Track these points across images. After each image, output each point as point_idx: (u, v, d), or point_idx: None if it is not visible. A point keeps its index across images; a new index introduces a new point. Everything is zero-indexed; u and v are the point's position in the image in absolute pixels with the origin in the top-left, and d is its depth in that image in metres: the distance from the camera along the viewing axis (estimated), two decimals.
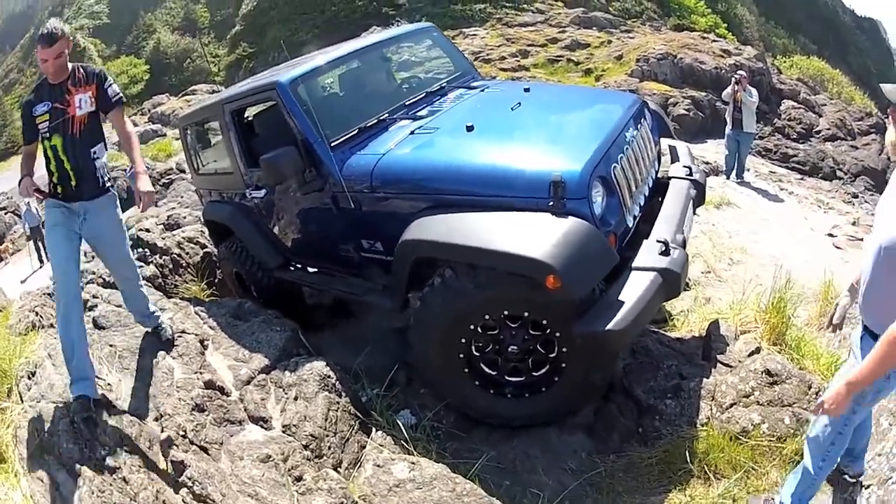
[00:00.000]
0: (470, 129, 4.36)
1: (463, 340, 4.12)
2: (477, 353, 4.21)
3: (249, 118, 6.18)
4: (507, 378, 4.24)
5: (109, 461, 3.36)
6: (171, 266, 7.01)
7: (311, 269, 5.71)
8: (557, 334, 3.94)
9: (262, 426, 4.03)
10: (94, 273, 6.20)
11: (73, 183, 3.89)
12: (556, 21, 26.50)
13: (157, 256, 7.07)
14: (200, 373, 4.32)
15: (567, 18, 26.52)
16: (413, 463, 3.80)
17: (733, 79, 12.01)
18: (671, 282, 3.79)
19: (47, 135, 3.87)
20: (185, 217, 7.95)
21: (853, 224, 11.04)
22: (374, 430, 4.25)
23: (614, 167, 4.04)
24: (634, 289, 3.69)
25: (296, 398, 4.19)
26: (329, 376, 4.35)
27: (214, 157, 6.39)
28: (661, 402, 4.29)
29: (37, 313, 5.04)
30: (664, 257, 3.84)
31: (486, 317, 4.03)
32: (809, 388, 4.07)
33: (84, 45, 44.51)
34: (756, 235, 8.91)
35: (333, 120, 4.84)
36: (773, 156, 16.78)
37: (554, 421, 4.33)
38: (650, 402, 4.32)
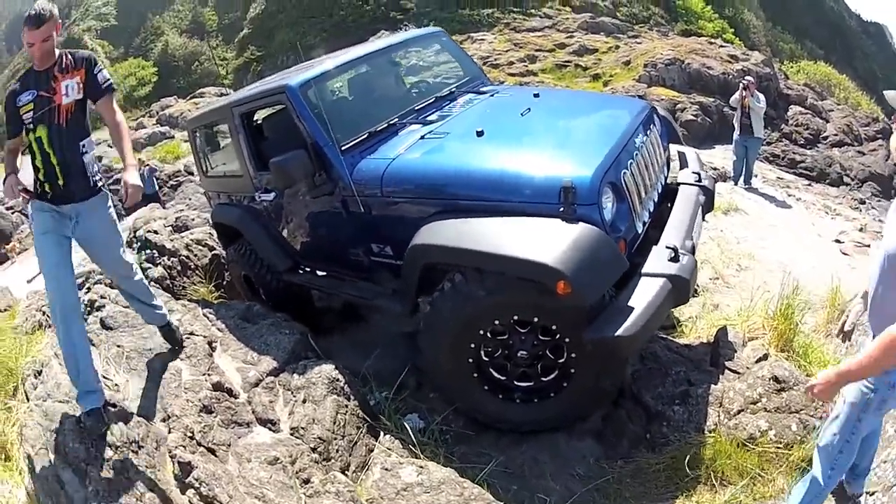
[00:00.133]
0: (480, 134, 4.37)
1: (472, 345, 4.12)
2: (486, 358, 4.21)
3: (259, 121, 6.19)
4: (516, 383, 4.24)
5: (116, 461, 3.36)
6: (179, 268, 7.01)
7: (320, 273, 5.71)
8: (567, 340, 3.93)
9: (270, 428, 4.03)
10: (101, 273, 6.21)
11: (61, 181, 3.60)
12: (563, 26, 26.49)
13: (165, 258, 7.08)
14: (208, 374, 4.32)
15: (575, 23, 26.50)
16: (421, 467, 3.81)
17: (741, 84, 12.02)
18: (680, 288, 3.80)
19: (31, 126, 3.59)
20: (193, 219, 7.94)
21: (860, 230, 11.00)
22: (382, 433, 4.25)
23: (624, 173, 4.05)
24: (644, 295, 3.69)
25: (304, 401, 4.20)
26: (338, 379, 4.36)
27: (223, 160, 6.40)
28: (669, 408, 4.29)
29: (43, 312, 5.07)
30: (673, 263, 3.85)
31: (496, 322, 4.03)
32: None
33: (92, 46, 44.57)
34: (764, 241, 8.92)
35: (343, 124, 4.85)
36: (780, 162, 16.74)
37: (563, 426, 4.33)
38: (658, 408, 4.32)
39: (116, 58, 48.47)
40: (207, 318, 5.20)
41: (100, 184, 3.77)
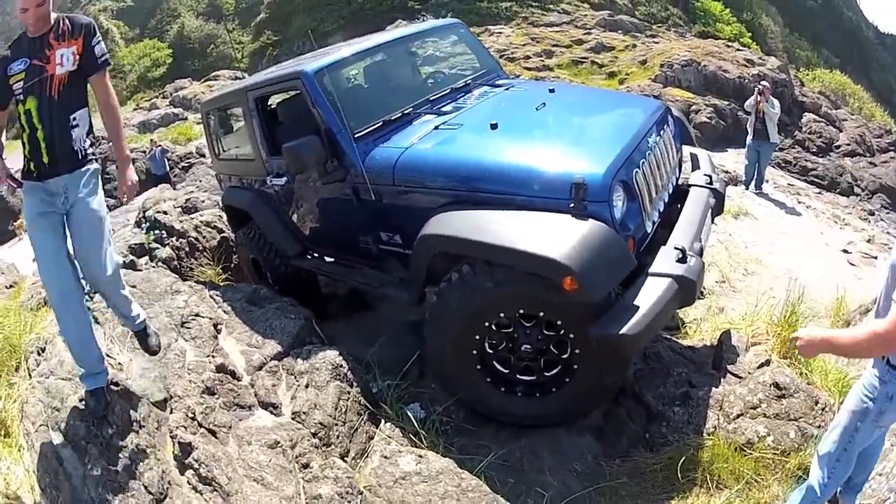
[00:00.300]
0: (494, 126, 4.36)
1: (477, 337, 4.13)
2: (490, 351, 4.22)
3: (273, 106, 6.20)
4: (518, 377, 4.25)
5: (116, 440, 3.35)
6: (187, 249, 7.05)
7: (328, 259, 5.73)
8: (571, 335, 3.94)
9: (271, 412, 4.04)
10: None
11: (45, 159, 3.27)
12: (581, 22, 26.38)
13: (173, 239, 7.12)
14: (212, 356, 4.33)
15: (593, 20, 26.40)
16: (420, 456, 3.82)
17: (756, 89, 11.96)
18: (686, 289, 3.79)
19: (21, 97, 3.27)
20: (203, 201, 7.97)
21: (868, 241, 10.97)
22: (383, 421, 4.27)
23: (636, 172, 4.04)
24: (650, 294, 3.69)
25: (307, 386, 4.21)
26: (341, 366, 4.37)
27: (236, 143, 6.42)
28: (669, 408, 4.29)
29: None
30: (681, 264, 3.84)
31: (502, 314, 4.04)
32: (816, 403, 4.06)
33: (107, 27, 44.65)
34: (772, 247, 8.90)
35: (357, 111, 4.85)
36: (792, 168, 16.68)
37: (564, 422, 4.34)
38: (659, 409, 4.33)
39: (132, 38, 48.64)
40: (214, 299, 5.21)
41: (90, 156, 3.43)
